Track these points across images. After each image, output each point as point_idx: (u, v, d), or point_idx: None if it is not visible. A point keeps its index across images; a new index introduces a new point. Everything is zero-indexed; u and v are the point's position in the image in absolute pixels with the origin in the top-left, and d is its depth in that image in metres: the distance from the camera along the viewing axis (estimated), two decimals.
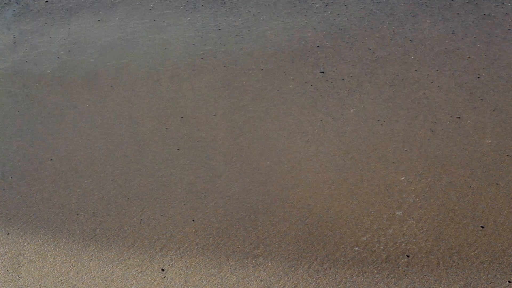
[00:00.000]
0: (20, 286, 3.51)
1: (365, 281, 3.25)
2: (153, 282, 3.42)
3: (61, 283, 3.50)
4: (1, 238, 3.97)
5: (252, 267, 3.45)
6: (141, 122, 5.21)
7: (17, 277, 3.59)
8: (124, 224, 3.95)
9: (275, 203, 3.96)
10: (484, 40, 5.81)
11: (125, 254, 3.68)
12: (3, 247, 3.88)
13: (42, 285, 3.50)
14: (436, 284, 3.18)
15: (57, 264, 3.66)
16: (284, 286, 3.29)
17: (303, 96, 5.27)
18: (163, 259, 3.59)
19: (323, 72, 5.64)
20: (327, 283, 3.27)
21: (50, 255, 3.75)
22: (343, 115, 4.89)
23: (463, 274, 3.22)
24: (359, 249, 3.47)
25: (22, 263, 3.70)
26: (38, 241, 3.90)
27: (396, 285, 3.20)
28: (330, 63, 5.79)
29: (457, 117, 4.66)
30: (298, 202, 3.94)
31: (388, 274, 3.28)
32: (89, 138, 5.05)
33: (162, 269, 3.51)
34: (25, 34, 7.60)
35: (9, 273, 3.63)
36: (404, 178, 4.04)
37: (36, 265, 3.67)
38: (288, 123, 4.89)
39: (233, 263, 3.50)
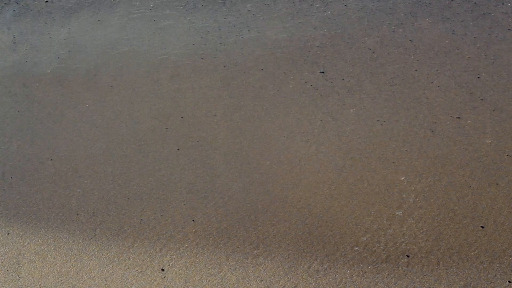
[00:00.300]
0: (20, 286, 3.51)
1: (365, 281, 3.25)
2: (153, 282, 3.42)
3: (61, 283, 3.50)
4: (1, 238, 3.97)
5: (252, 267, 3.45)
6: (141, 122, 5.21)
7: (17, 277, 3.59)
8: (124, 224, 3.95)
9: (275, 203, 3.96)
10: (484, 39, 5.80)
11: (125, 254, 3.68)
12: (3, 247, 3.88)
13: (42, 285, 3.50)
14: (436, 284, 3.18)
15: (57, 264, 3.66)
16: (284, 286, 3.29)
17: (303, 96, 5.26)
18: (163, 259, 3.59)
19: (323, 72, 5.64)
20: (327, 283, 3.27)
21: (50, 255, 3.75)
22: (343, 115, 4.89)
23: (463, 274, 3.22)
24: (359, 249, 3.47)
25: (22, 263, 3.70)
26: (38, 241, 3.90)
27: (396, 285, 3.20)
28: (330, 63, 5.79)
29: (457, 117, 4.65)
30: (298, 202, 3.94)
31: (388, 274, 3.27)
32: (89, 138, 5.05)
33: (162, 269, 3.51)
34: (25, 34, 7.60)
35: (9, 273, 3.63)
36: (404, 178, 4.04)
37: (36, 265, 3.67)
38: (288, 123, 4.89)
39: (233, 263, 3.50)
